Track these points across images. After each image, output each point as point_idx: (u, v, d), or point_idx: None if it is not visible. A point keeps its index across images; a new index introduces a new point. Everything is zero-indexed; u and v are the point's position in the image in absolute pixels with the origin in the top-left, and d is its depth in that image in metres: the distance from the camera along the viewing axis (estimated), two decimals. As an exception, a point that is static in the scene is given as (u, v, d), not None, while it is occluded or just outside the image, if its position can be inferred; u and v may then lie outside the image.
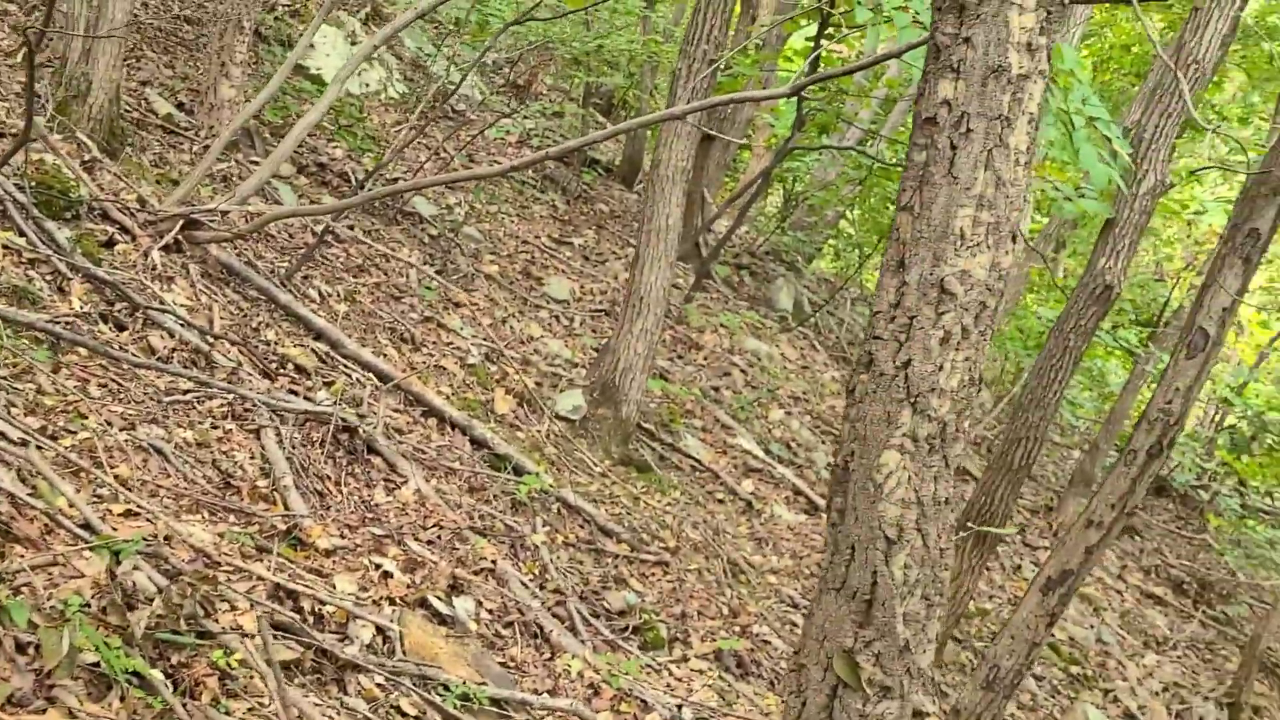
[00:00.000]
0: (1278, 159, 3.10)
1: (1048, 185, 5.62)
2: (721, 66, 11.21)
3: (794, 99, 7.98)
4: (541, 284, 8.67)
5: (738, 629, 5.12)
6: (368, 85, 9.78)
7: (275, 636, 2.90)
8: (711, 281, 10.93)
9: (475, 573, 4.04)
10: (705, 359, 9.18)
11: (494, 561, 4.19)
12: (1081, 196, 5.40)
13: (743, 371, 9.33)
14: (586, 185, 11.09)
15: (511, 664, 3.69)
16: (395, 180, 7.97)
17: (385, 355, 5.55)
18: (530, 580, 4.39)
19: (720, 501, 6.80)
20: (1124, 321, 10.36)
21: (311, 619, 3.18)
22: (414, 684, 3.06)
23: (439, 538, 4.15)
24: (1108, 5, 11.85)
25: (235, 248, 5.37)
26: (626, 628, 4.53)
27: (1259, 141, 9.68)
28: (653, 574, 5.25)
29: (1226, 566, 10.80)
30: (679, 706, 3.95)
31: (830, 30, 7.69)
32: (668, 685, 4.21)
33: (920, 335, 1.98)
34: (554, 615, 4.20)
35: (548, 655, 3.86)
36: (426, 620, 3.44)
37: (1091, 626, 8.05)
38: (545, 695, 3.49)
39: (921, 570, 2.03)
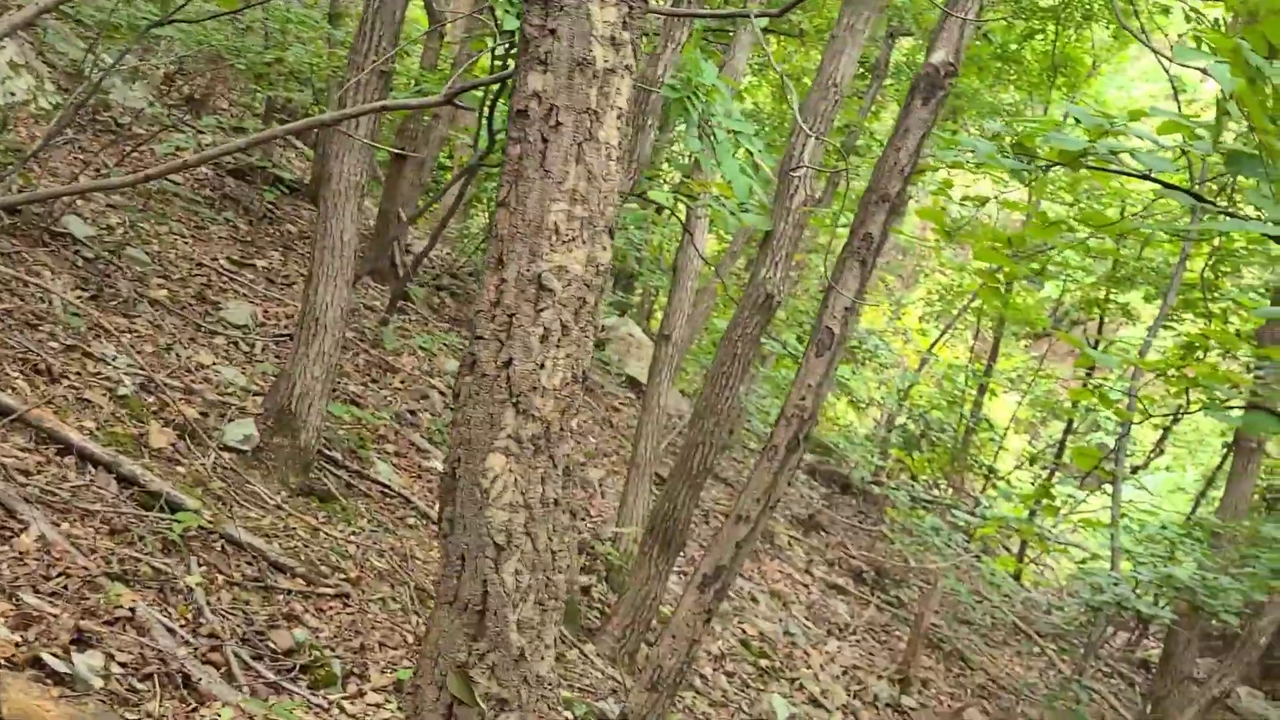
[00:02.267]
0: (883, 172, 3.32)
1: (714, 202, 5.85)
2: (409, 84, 10.96)
3: (484, 118, 7.91)
4: (218, 309, 8.07)
5: (422, 656, 4.92)
6: (13, 94, 8.79)
7: None
8: (410, 304, 10.65)
9: (108, 623, 3.62)
10: (402, 382, 8.89)
11: (133, 609, 3.77)
12: (746, 212, 5.65)
13: (441, 394, 9.11)
14: (271, 205, 10.49)
15: (147, 720, 3.32)
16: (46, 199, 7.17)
17: (13, 389, 4.93)
18: (181, 626, 4.00)
19: (411, 526, 6.56)
20: (801, 334, 11.03)
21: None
22: (8, 756, 2.66)
23: (65, 588, 3.69)
24: (778, 37, 12.67)
25: None
26: (294, 667, 4.22)
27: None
28: (330, 608, 4.95)
29: (899, 554, 11.71)
30: (345, 745, 3.71)
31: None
32: (336, 723, 3.95)
33: (520, 333, 1.91)
34: (206, 662, 3.84)
35: (192, 707, 3.51)
36: (34, 683, 3.02)
37: (780, 620, 8.45)
38: (183, 751, 3.16)
39: (534, 575, 1.96)
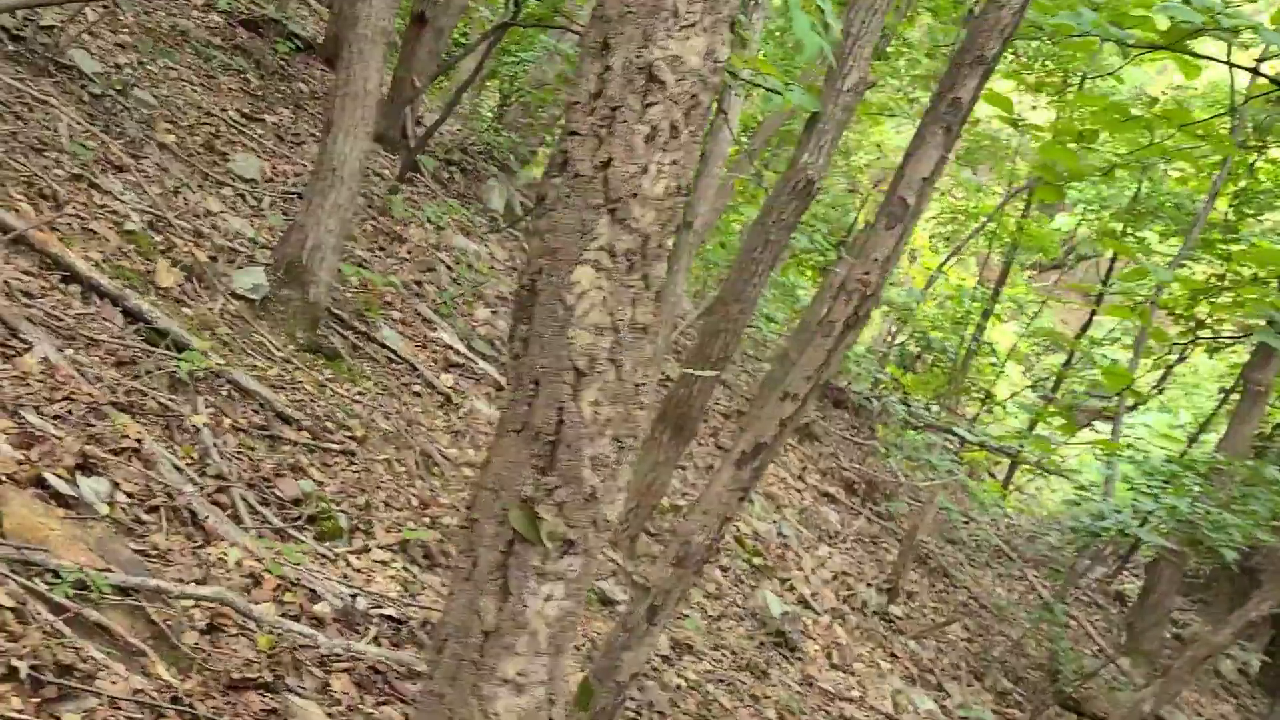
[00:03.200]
0: (982, 30, 3.04)
1: (755, 79, 5.52)
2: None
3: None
4: (227, 159, 7.73)
5: (427, 520, 4.76)
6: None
7: None
8: (419, 175, 10.29)
9: (114, 452, 3.42)
10: (409, 252, 8.61)
11: (139, 441, 3.57)
12: (791, 90, 5.34)
13: (448, 268, 8.85)
14: (284, 60, 10.05)
15: (153, 552, 3.14)
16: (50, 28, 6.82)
17: (16, 211, 4.64)
18: (188, 465, 3.81)
19: (416, 394, 6.37)
20: (818, 238, 10.76)
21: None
22: (10, 570, 2.48)
23: (69, 413, 3.47)
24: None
25: None
26: (300, 516, 4.05)
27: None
28: (336, 463, 4.77)
29: (890, 469, 11.65)
30: (353, 596, 3.55)
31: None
32: (344, 575, 3.80)
33: (623, 130, 1.66)
34: (213, 502, 3.66)
35: (199, 543, 3.33)
36: (37, 500, 2.82)
37: (774, 522, 8.37)
38: (191, 585, 2.99)
39: (614, 408, 1.75)
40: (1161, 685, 4.75)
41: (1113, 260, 13.15)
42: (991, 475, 14.18)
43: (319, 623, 3.32)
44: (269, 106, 9.21)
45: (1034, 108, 12.01)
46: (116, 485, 3.24)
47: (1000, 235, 13.35)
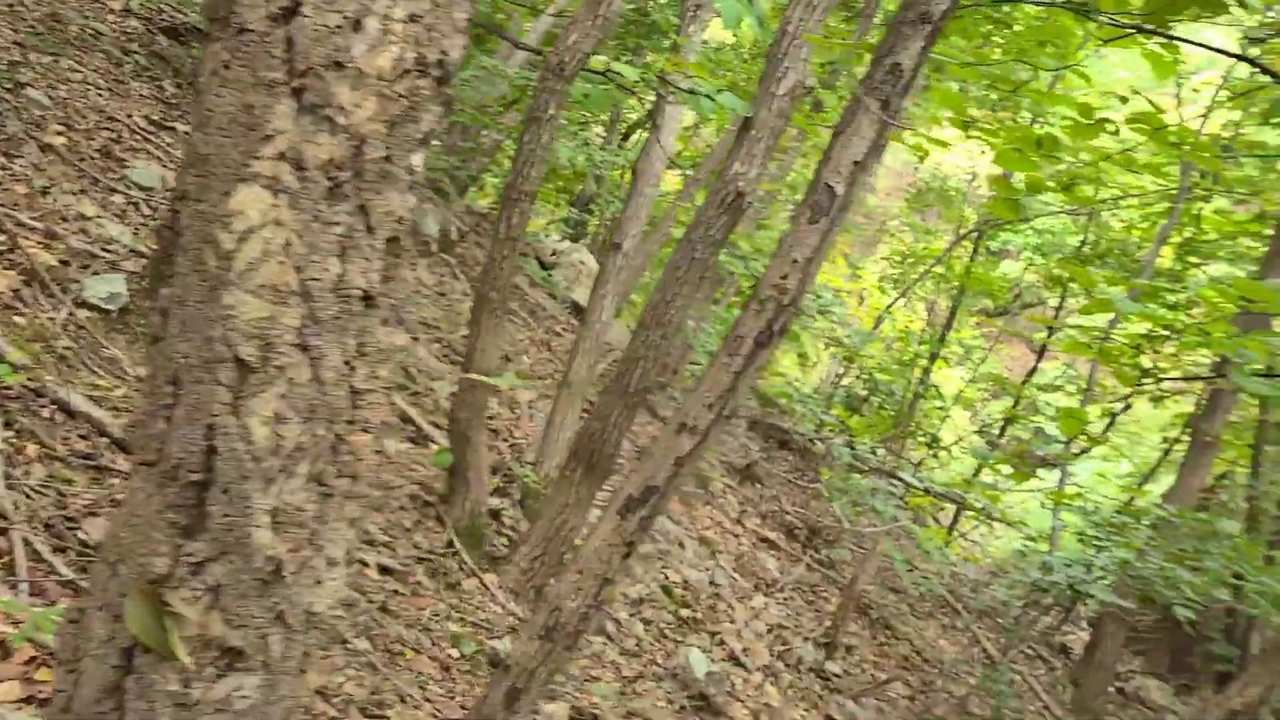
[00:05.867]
0: (929, -22, 2.37)
1: (687, 86, 4.87)
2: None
3: None
4: (124, 166, 6.95)
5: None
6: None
7: None
8: (347, 195, 9.57)
9: None
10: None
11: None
12: (722, 94, 4.69)
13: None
14: (205, 70, 9.30)
15: None
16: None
17: None
18: (-41, 499, 3.00)
19: (306, 423, 5.59)
20: (756, 267, 10.10)
21: None
22: None
23: None
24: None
25: None
26: (105, 565, 3.24)
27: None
28: (180, 500, 3.97)
29: (834, 514, 10.96)
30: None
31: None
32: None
33: (318, -46, 0.94)
34: (-22, 547, 2.85)
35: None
36: None
37: (707, 570, 7.63)
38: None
39: (308, 427, 1.01)
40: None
41: (1059, 304, 12.67)
42: (936, 521, 13.54)
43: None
44: (182, 115, 8.44)
45: (983, 152, 11.54)
46: None
47: (948, 278, 12.83)
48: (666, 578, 6.92)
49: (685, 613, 6.66)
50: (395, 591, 4.45)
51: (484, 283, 4.88)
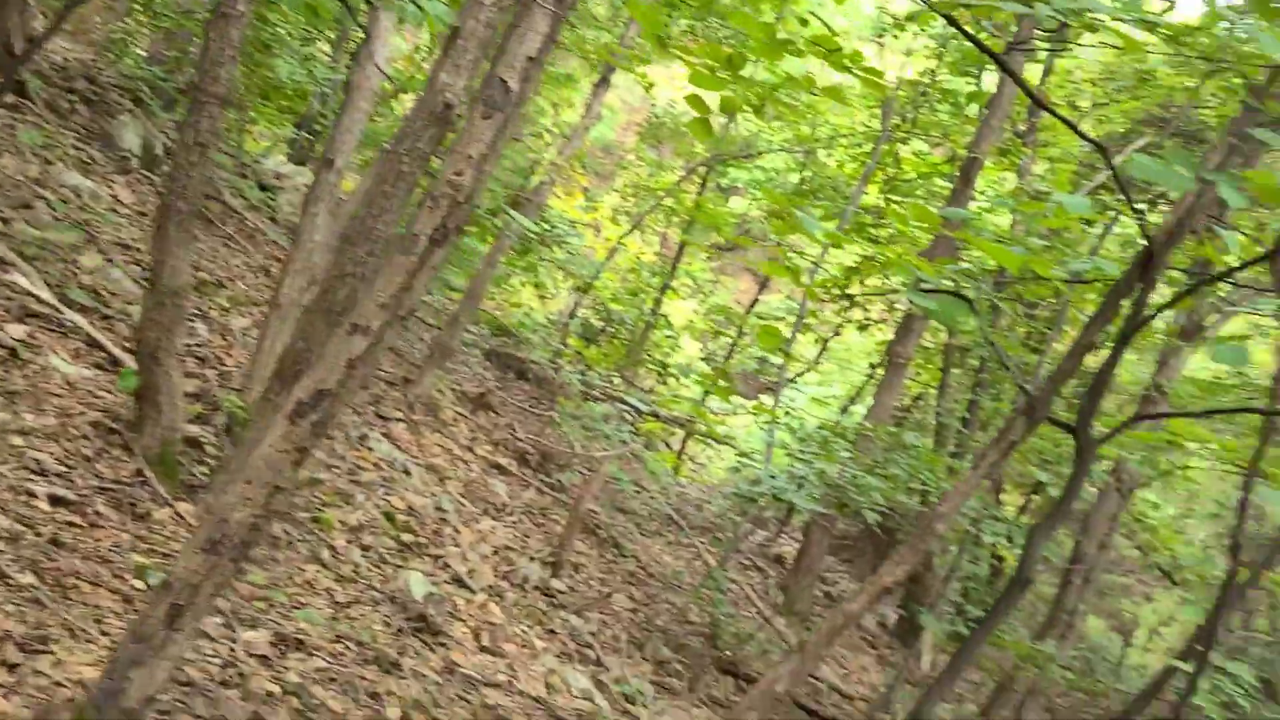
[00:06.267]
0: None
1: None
2: None
3: None
4: None
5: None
6: None
7: None
8: (26, 101, 8.53)
9: None
10: (-3, 184, 6.99)
11: None
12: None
13: (51, 207, 7.29)
14: None
15: None
16: None
17: None
18: None
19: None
20: (496, 201, 10.00)
21: None
22: None
23: None
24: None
25: None
26: None
27: None
28: None
29: (567, 440, 11.16)
30: None
31: None
32: None
33: None
34: None
35: None
36: None
37: (433, 496, 7.55)
38: None
39: None
40: (801, 659, 4.42)
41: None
42: (667, 446, 14.12)
43: None
44: None
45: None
46: None
47: (678, 212, 13.23)
48: (390, 504, 6.80)
49: (408, 538, 6.58)
50: (69, 523, 4.10)
51: (170, 191, 4.50)
